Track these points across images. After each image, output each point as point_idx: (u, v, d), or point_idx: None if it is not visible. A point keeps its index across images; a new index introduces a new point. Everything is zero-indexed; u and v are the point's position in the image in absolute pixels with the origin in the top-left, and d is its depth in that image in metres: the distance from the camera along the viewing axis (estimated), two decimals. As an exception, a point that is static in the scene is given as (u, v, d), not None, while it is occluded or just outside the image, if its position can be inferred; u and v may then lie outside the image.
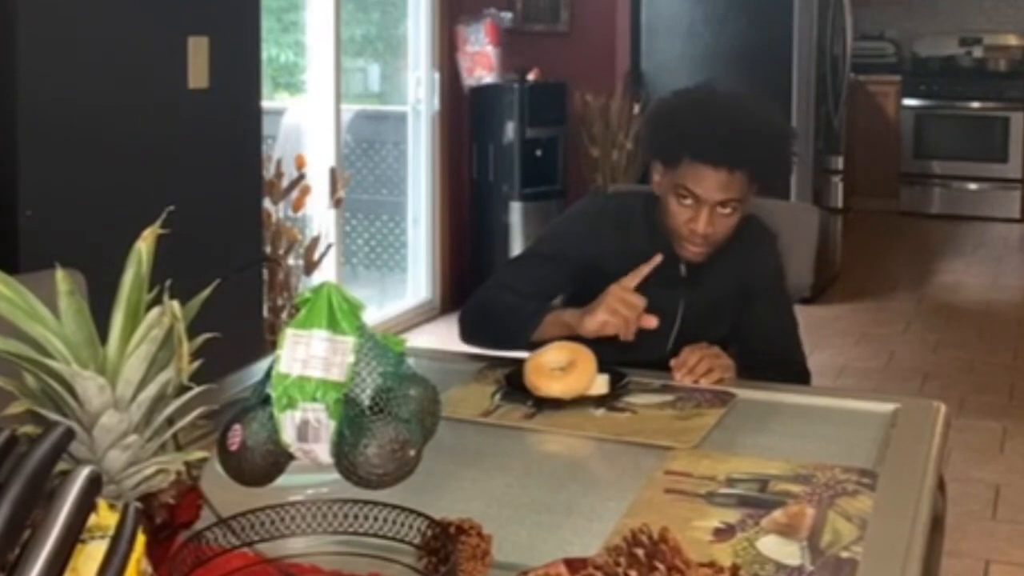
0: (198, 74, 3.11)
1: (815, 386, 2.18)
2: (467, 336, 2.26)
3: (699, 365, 2.04)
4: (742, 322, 2.26)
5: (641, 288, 2.23)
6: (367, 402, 1.34)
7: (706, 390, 2.00)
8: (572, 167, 5.77)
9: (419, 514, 1.27)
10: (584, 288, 2.34)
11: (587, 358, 1.96)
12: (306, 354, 1.34)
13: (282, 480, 1.38)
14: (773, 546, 1.41)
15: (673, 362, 2.06)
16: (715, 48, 6.00)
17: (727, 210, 2.13)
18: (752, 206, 2.29)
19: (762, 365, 2.15)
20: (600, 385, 1.95)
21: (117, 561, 0.92)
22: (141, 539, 0.96)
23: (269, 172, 4.07)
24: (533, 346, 2.09)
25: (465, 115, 5.82)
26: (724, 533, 1.44)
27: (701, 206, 2.13)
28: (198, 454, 1.23)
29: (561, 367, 1.94)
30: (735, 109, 2.17)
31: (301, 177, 4.29)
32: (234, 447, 1.35)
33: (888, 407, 1.94)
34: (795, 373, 2.26)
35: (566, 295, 2.38)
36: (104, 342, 1.19)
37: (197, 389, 1.21)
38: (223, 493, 1.30)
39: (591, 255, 2.27)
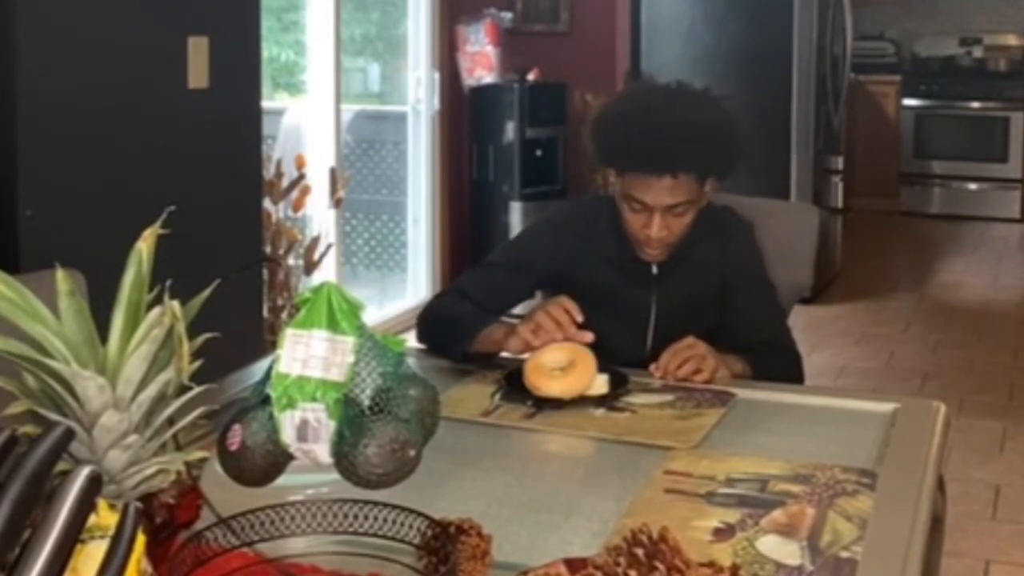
0: (198, 74, 3.11)
1: (815, 386, 2.18)
2: (420, 339, 2.24)
3: (680, 370, 2.03)
4: (726, 313, 2.25)
5: (613, 289, 2.23)
6: (367, 402, 1.34)
7: (706, 390, 2.00)
8: (572, 167, 5.77)
9: (419, 514, 1.27)
10: (556, 295, 2.35)
11: (587, 358, 1.96)
12: (306, 354, 1.34)
13: (282, 480, 1.38)
14: (773, 546, 1.41)
15: (652, 368, 2.06)
16: (715, 48, 6.00)
17: (679, 211, 2.14)
18: (720, 197, 2.29)
19: (751, 353, 2.14)
20: (600, 385, 1.96)
21: (117, 561, 0.92)
22: (141, 539, 0.97)
23: (269, 172, 4.07)
24: (468, 357, 2.09)
25: (465, 115, 5.82)
26: (724, 533, 1.44)
27: (652, 212, 2.13)
28: (198, 454, 1.24)
29: (561, 367, 1.94)
30: (670, 113, 2.15)
31: (301, 177, 4.29)
32: (234, 447, 1.35)
33: (888, 407, 1.94)
34: (784, 357, 2.24)
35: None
36: (104, 342, 1.19)
37: (197, 389, 1.21)
38: (223, 493, 1.30)
39: (556, 263, 2.27)
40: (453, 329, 2.12)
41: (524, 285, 2.32)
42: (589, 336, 1.98)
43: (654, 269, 2.24)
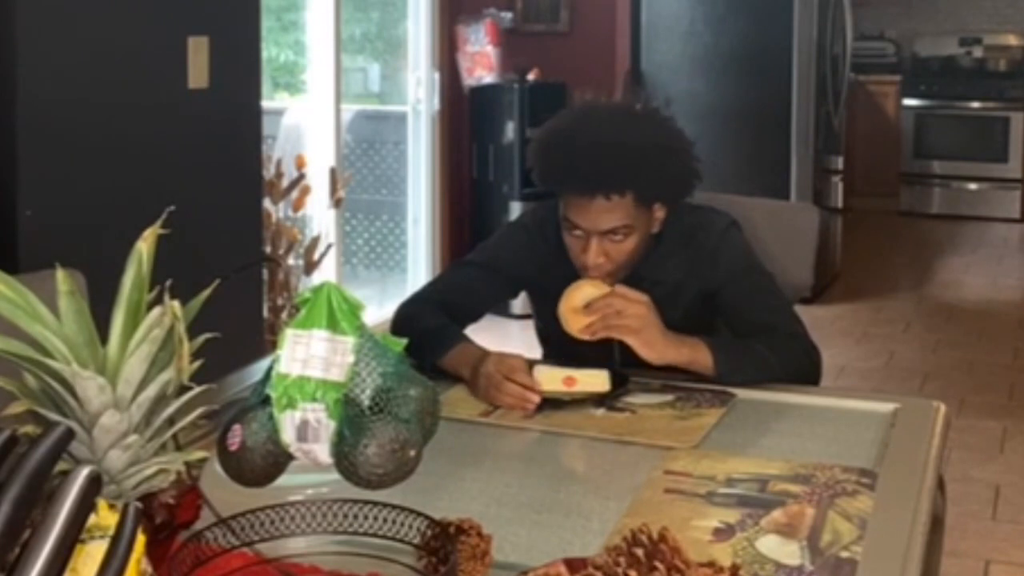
0: (198, 74, 3.11)
1: (815, 386, 2.17)
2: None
3: (597, 322, 1.97)
4: (724, 316, 2.19)
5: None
6: (367, 402, 1.34)
7: (706, 390, 2.00)
8: (572, 167, 5.76)
9: (419, 514, 1.27)
10: (531, 298, 2.34)
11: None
12: (306, 354, 1.34)
13: (282, 480, 1.38)
14: (773, 546, 1.41)
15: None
16: (715, 48, 6.00)
17: (618, 236, 2.07)
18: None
19: (760, 343, 2.06)
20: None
21: (117, 561, 0.92)
22: (141, 539, 0.97)
23: (269, 172, 4.07)
24: (436, 370, 2.03)
25: (465, 115, 5.82)
26: (724, 533, 1.44)
27: (589, 237, 2.08)
28: (198, 454, 1.23)
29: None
30: (599, 134, 2.08)
31: (301, 177, 4.30)
32: (234, 447, 1.35)
33: (888, 407, 1.94)
34: (787, 342, 2.10)
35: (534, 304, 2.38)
36: (104, 342, 1.19)
37: (197, 389, 1.21)
38: (223, 493, 1.30)
39: (526, 269, 2.26)
40: (421, 346, 1.99)
41: (500, 286, 2.30)
42: (536, 399, 1.92)
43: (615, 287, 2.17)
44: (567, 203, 2.10)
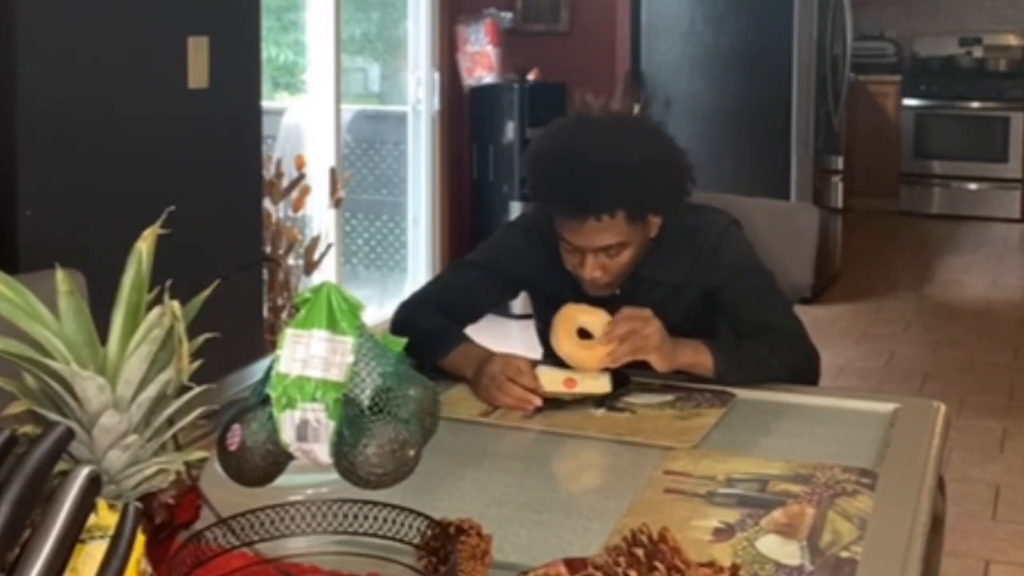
0: (198, 74, 3.11)
1: (815, 386, 2.17)
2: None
3: (622, 348, 1.95)
4: (724, 314, 2.18)
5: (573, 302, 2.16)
6: (367, 402, 1.34)
7: (706, 390, 2.00)
8: (572, 167, 5.76)
9: (419, 514, 1.27)
10: (532, 299, 2.34)
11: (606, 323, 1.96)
12: (306, 354, 1.34)
13: (282, 480, 1.38)
14: (773, 546, 1.41)
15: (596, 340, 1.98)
16: (715, 48, 6.00)
17: (613, 252, 2.07)
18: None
19: (760, 343, 2.07)
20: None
21: (117, 561, 0.92)
22: (141, 539, 0.97)
23: (269, 172, 4.07)
24: (437, 371, 2.02)
25: (465, 115, 5.82)
26: (724, 533, 1.44)
27: (584, 254, 2.08)
28: (198, 454, 1.23)
29: (588, 332, 1.95)
30: (588, 154, 2.06)
31: (301, 177, 4.30)
32: (234, 447, 1.35)
33: (888, 407, 1.94)
34: (785, 343, 2.10)
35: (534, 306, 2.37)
36: (104, 342, 1.19)
37: (197, 389, 1.21)
38: (223, 493, 1.30)
39: (525, 272, 2.25)
40: (423, 346, 1.95)
41: (500, 287, 2.30)
42: (538, 401, 1.92)
43: (616, 290, 2.17)
44: (561, 223, 2.10)
